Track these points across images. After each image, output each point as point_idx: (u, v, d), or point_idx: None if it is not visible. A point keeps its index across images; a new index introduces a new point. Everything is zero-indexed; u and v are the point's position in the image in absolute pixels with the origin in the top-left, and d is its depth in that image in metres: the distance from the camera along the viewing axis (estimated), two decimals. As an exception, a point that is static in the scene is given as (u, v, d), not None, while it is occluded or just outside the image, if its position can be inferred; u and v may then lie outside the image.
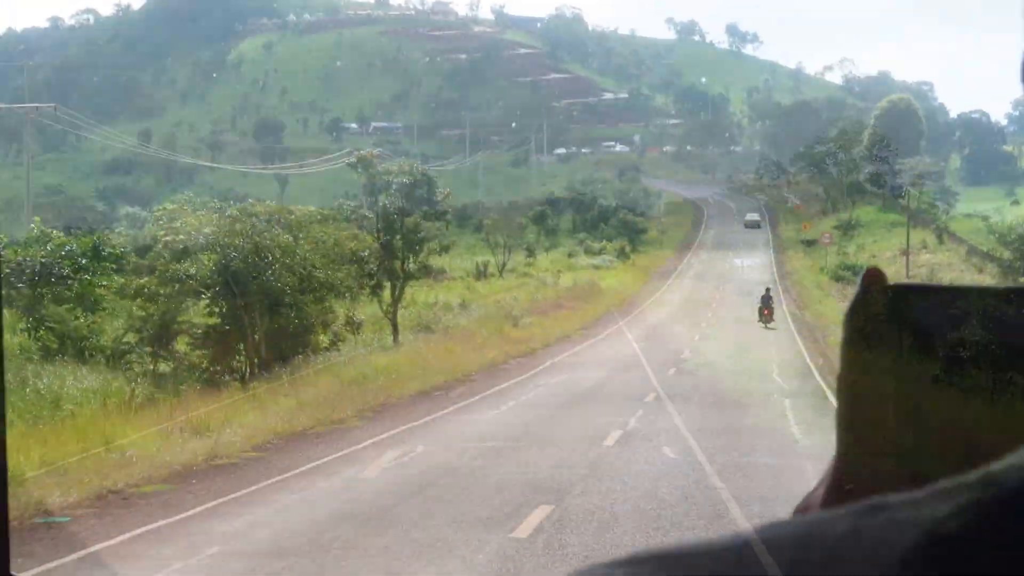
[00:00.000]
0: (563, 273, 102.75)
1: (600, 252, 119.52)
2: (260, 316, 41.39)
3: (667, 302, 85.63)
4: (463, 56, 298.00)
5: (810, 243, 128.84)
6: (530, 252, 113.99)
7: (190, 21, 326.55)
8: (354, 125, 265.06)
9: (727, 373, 42.50)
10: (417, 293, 68.69)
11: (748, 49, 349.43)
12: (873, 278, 1.33)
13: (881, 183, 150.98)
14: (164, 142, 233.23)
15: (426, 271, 57.10)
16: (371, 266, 54.99)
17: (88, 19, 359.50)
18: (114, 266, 45.56)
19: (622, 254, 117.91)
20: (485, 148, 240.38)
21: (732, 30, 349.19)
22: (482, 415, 30.59)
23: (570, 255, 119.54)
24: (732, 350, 52.15)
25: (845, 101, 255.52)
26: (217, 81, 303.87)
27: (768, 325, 68.82)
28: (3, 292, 36.85)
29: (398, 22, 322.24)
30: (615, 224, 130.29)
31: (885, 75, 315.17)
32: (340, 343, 50.34)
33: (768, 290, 75.24)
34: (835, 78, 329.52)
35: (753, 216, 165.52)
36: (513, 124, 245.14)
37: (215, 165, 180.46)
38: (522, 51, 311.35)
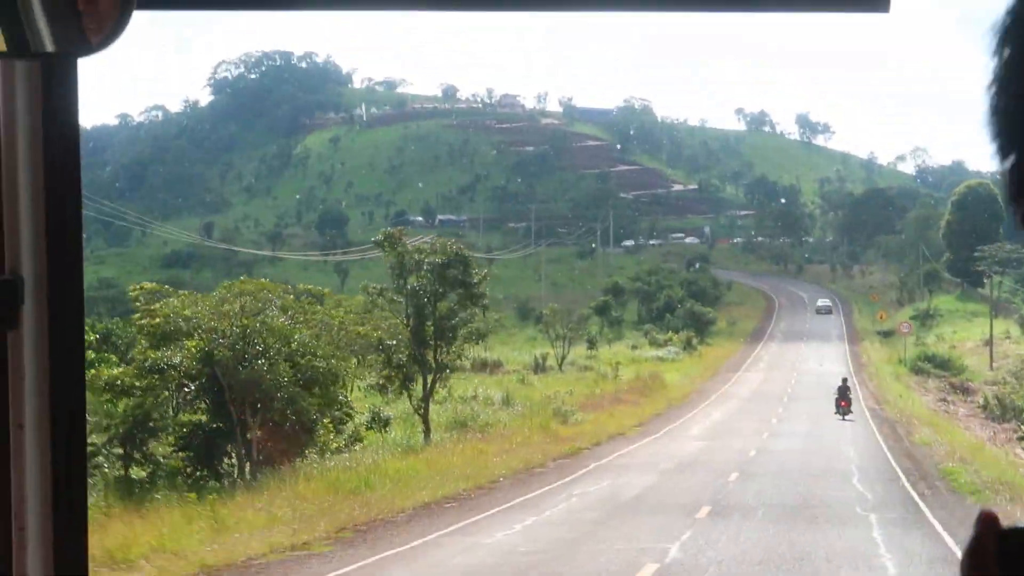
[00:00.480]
0: (625, 366, 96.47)
1: (665, 344, 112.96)
2: (252, 412, 35.30)
3: (734, 395, 79.00)
4: (530, 148, 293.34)
5: (887, 334, 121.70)
6: (591, 344, 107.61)
7: (257, 116, 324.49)
8: (420, 218, 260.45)
9: (799, 477, 35.92)
10: (459, 385, 62.57)
11: (819, 140, 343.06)
12: (987, 523, 1.24)
13: (963, 271, 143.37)
14: (226, 235, 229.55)
15: (459, 359, 50.49)
16: (400, 356, 48.85)
17: (157, 115, 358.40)
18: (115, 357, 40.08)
19: (688, 345, 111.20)
20: (551, 240, 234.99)
21: (803, 120, 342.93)
22: (488, 537, 24.22)
23: (634, 347, 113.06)
24: (805, 449, 45.54)
25: (919, 191, 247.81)
26: (283, 175, 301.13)
27: (846, 417, 63.29)
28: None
29: (465, 115, 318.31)
30: (681, 315, 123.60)
31: (959, 164, 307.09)
32: (359, 442, 44.26)
33: (845, 380, 68.98)
34: (908, 168, 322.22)
35: (824, 302, 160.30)
36: (580, 216, 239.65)
37: (270, 254, 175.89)
38: (590, 143, 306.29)
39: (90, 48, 2.75)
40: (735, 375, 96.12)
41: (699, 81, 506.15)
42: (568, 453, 45.52)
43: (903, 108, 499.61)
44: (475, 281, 49.29)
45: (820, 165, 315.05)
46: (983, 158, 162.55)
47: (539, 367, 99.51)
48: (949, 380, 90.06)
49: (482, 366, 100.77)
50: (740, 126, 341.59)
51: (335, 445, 40.93)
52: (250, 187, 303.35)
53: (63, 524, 3.06)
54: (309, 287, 41.24)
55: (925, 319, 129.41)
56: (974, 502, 30.37)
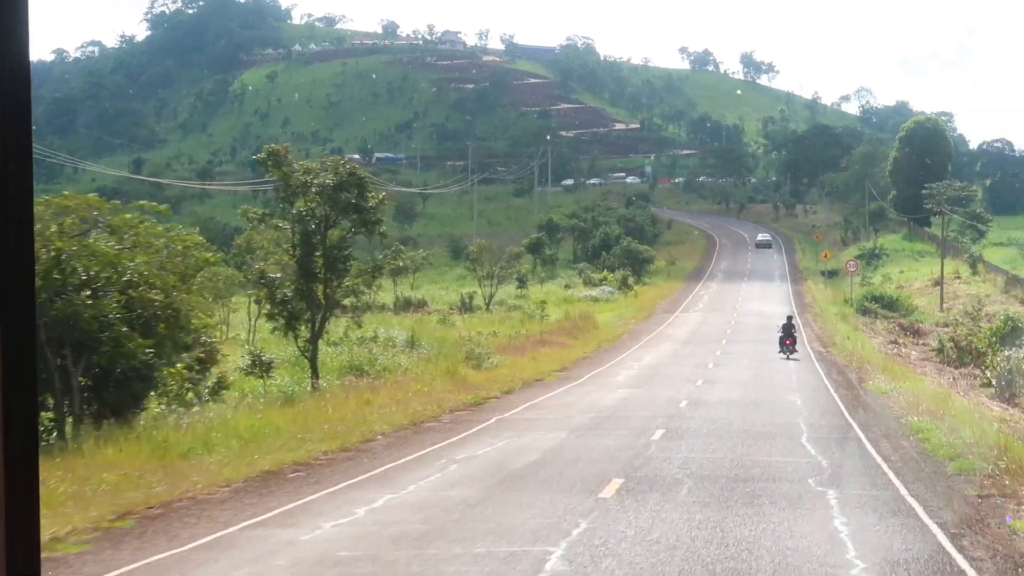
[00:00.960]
0: (556, 306, 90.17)
1: (600, 283, 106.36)
2: (75, 356, 28.36)
3: (670, 337, 72.59)
4: (470, 86, 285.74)
5: (831, 273, 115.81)
6: (521, 282, 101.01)
7: (194, 51, 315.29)
8: (356, 156, 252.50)
9: (737, 437, 29.32)
10: (367, 325, 55.66)
11: (763, 79, 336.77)
12: None
13: (909, 210, 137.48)
14: (157, 171, 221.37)
15: (354, 296, 43.58)
16: (285, 291, 41.92)
17: (93, 51, 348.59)
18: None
19: (624, 285, 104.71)
20: (490, 178, 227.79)
21: (747, 60, 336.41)
22: (309, 530, 17.37)
23: (567, 286, 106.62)
24: (744, 400, 39.02)
25: (863, 131, 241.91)
26: (218, 112, 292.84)
27: (791, 356, 58.91)
28: None
29: (404, 52, 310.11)
30: (618, 253, 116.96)
31: (903, 105, 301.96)
32: (224, 390, 37.46)
33: (790, 318, 64.27)
34: (852, 108, 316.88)
35: (764, 236, 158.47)
36: (520, 154, 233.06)
37: (199, 184, 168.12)
38: (531, 81, 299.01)
39: None
40: (672, 316, 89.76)
41: (643, 19, 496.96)
42: (470, 404, 38.80)
43: (848, 48, 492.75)
44: (370, 206, 42.17)
45: (764, 105, 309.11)
46: (927, 99, 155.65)
47: (465, 307, 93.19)
48: (898, 321, 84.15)
49: (405, 305, 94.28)
50: (684, 65, 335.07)
51: (190, 395, 34.17)
52: (185, 124, 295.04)
53: (14, 519, 3.04)
54: (154, 204, 33.74)
55: (871, 259, 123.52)
56: (955, 471, 23.85)
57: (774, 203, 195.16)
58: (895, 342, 71.86)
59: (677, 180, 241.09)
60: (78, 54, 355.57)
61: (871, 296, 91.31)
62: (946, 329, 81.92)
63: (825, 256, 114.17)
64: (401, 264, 72.63)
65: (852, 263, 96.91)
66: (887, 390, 41.64)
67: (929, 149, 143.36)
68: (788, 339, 60.13)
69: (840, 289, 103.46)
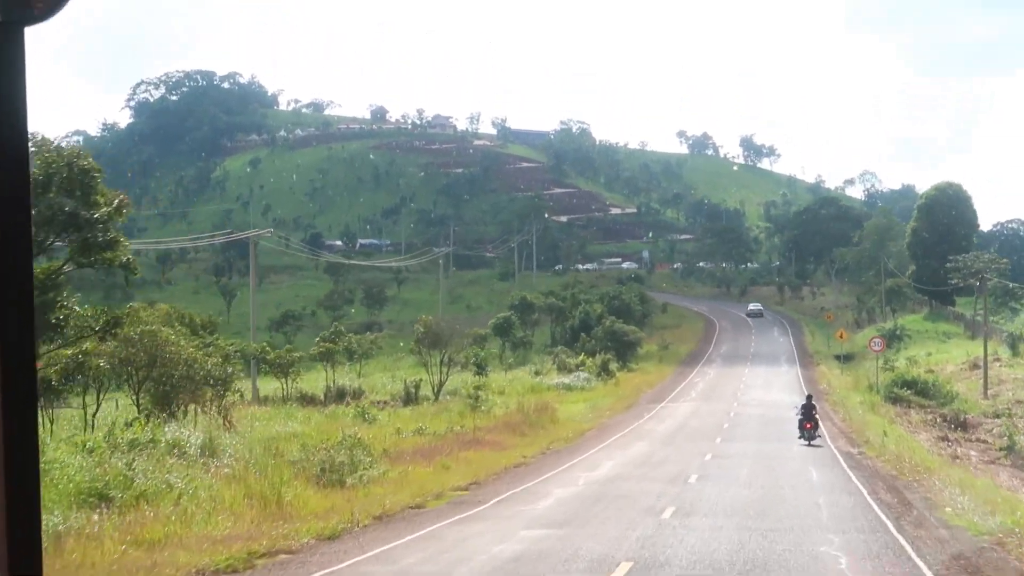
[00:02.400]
0: (519, 395, 72.32)
1: (576, 369, 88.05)
2: None
3: (648, 434, 54.27)
4: (460, 170, 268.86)
5: (847, 357, 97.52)
6: (480, 369, 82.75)
7: (177, 139, 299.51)
8: (339, 242, 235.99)
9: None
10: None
11: (764, 163, 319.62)
12: None
13: (931, 287, 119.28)
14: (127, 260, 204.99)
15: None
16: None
17: (78, 140, 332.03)
18: None
19: (604, 371, 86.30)
20: (475, 264, 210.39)
21: (747, 143, 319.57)
22: None
23: (536, 372, 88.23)
24: (741, 555, 20.69)
25: (870, 214, 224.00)
26: (199, 199, 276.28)
27: (812, 442, 49.04)
28: None
29: (392, 136, 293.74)
30: (600, 335, 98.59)
31: (909, 188, 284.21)
32: None
33: (810, 397, 54.51)
34: (857, 192, 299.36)
35: (755, 306, 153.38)
36: (509, 239, 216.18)
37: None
38: (524, 165, 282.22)
39: (35, 16, 3.01)
40: (658, 406, 71.45)
41: (639, 102, 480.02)
42: (247, 558, 20.71)
43: (850, 132, 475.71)
44: (96, 217, 24.14)
45: (765, 189, 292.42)
46: (934, 182, 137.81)
47: (411, 397, 75.06)
48: (937, 412, 65.94)
49: (339, 395, 76.53)
50: (682, 149, 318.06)
51: None
52: (165, 211, 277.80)
53: (16, 523, 3.05)
54: None
55: (891, 340, 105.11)
56: None
57: (778, 285, 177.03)
58: (944, 438, 53.43)
59: (676, 265, 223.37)
60: (63, 143, 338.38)
61: (900, 381, 72.93)
62: (996, 420, 64.56)
63: (841, 336, 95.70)
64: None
65: (877, 341, 78.29)
66: (988, 527, 23.43)
67: (951, 219, 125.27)
68: (808, 422, 50.42)
69: (860, 374, 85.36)
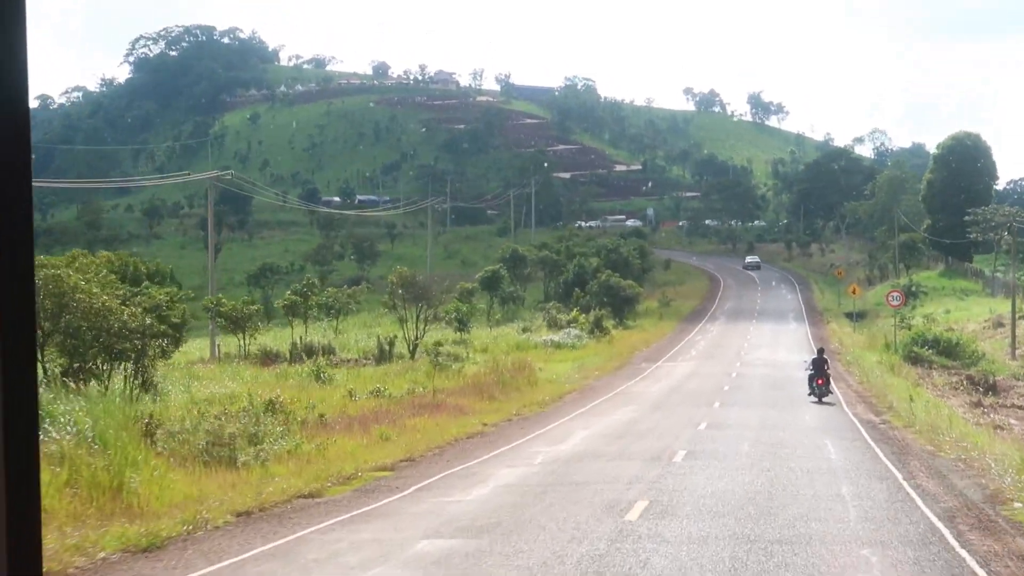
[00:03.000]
0: (503, 353, 64.99)
1: (568, 325, 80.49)
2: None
3: (636, 397, 46.73)
4: (462, 126, 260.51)
5: (859, 316, 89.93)
6: (462, 324, 75.33)
7: (176, 95, 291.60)
8: (336, 199, 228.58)
9: None
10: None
11: (772, 121, 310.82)
12: None
13: (948, 242, 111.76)
14: (121, 216, 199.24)
15: None
16: None
17: (78, 96, 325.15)
18: None
19: (598, 328, 78.70)
20: (477, 220, 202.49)
21: (755, 100, 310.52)
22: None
23: (524, 329, 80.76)
24: (725, 572, 13.12)
25: (881, 169, 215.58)
26: (198, 155, 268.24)
27: (824, 399, 45.00)
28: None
29: (394, 92, 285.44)
30: (595, 290, 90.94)
31: (920, 147, 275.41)
32: None
33: (821, 351, 49.54)
34: (866, 151, 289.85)
35: (753, 258, 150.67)
36: (511, 195, 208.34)
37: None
38: (527, 121, 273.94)
39: None
40: (653, 366, 63.97)
41: (646, 59, 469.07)
42: None
43: (860, 90, 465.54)
44: None
45: (773, 147, 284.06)
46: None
47: (384, 355, 67.62)
48: (963, 373, 58.20)
49: (307, 353, 68.99)
50: (689, 106, 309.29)
51: None
52: (162, 167, 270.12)
53: (17, 523, 3.02)
54: None
55: (907, 297, 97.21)
56: None
57: (786, 241, 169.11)
58: (978, 404, 45.78)
59: (681, 223, 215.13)
60: (63, 100, 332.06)
61: (921, 340, 65.28)
62: (1030, 382, 57.47)
63: (853, 291, 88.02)
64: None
65: (895, 295, 70.22)
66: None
67: (970, 170, 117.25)
68: (820, 378, 46.05)
69: (875, 332, 77.76)
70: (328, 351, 69.88)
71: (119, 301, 40.76)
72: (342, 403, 40.47)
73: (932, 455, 28.24)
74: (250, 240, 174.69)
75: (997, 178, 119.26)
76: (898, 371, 56.24)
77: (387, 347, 68.84)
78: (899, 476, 24.33)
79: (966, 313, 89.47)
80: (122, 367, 39.00)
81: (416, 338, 69.49)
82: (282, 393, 36.29)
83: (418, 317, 70.29)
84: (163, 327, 42.41)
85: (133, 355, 38.91)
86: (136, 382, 38.82)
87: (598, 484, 22.86)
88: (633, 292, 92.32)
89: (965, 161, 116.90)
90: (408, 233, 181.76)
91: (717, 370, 59.80)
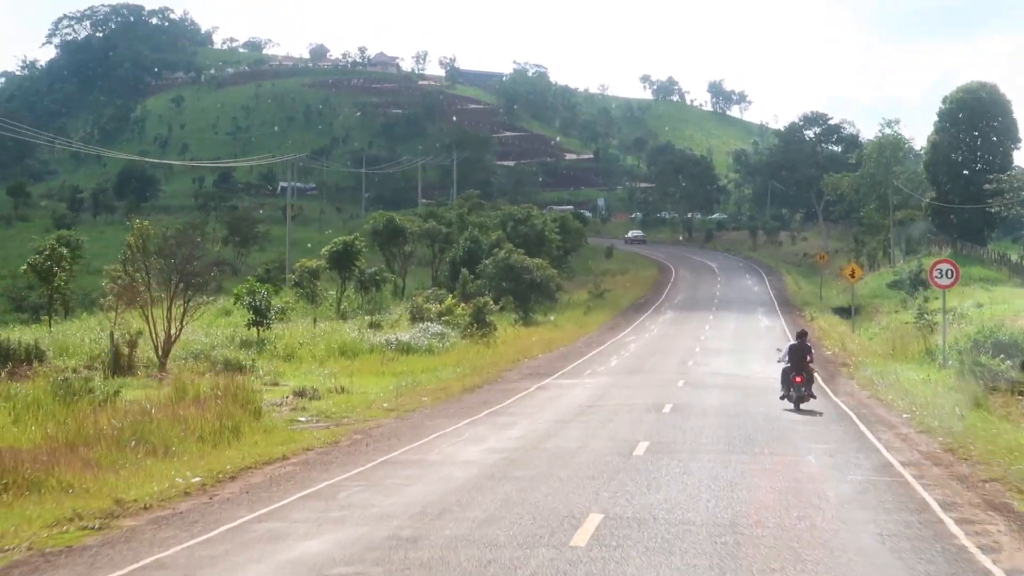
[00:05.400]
0: (303, 363, 37.41)
1: (439, 318, 52.41)
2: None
3: (405, 486, 17.87)
4: (399, 111, 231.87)
5: (846, 312, 62.80)
6: (260, 316, 47.50)
7: (99, 77, 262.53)
8: (259, 183, 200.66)
9: None
10: None
11: (734, 111, 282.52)
12: None
13: (960, 217, 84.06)
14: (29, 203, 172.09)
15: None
16: None
17: (0, 80, 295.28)
18: None
19: (478, 322, 50.52)
20: (404, 204, 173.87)
21: (715, 89, 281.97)
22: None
23: (372, 325, 52.72)
24: None
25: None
26: (117, 140, 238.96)
27: (801, 406, 29.10)
28: None
29: (329, 74, 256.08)
30: (490, 271, 62.63)
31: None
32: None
33: (803, 335, 31.73)
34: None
35: (636, 233, 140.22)
36: (450, 184, 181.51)
37: None
38: (472, 106, 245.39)
39: None
40: (532, 387, 36.01)
41: (600, 46, 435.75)
42: None
43: (825, 79, 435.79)
44: None
45: (735, 136, 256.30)
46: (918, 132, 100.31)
47: (121, 362, 40.21)
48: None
49: (3, 358, 40.97)
50: (646, 94, 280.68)
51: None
52: (78, 154, 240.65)
53: None
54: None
55: (911, 288, 69.48)
56: None
57: (750, 229, 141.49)
58: None
59: (634, 215, 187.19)
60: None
61: (991, 343, 37.00)
62: None
63: (852, 275, 59.74)
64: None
65: (946, 267, 40.27)
66: None
67: (985, 129, 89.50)
68: (798, 374, 29.74)
69: (892, 333, 50.09)
70: (37, 355, 41.32)
71: None
72: None
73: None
74: (123, 224, 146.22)
75: (1020, 140, 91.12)
76: (981, 401, 28.14)
77: (129, 349, 40.84)
78: None
79: (1003, 307, 61.59)
80: None
81: (170, 337, 41.43)
82: None
83: (171, 303, 42.12)
84: None
85: None
86: None
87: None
88: (544, 276, 63.77)
89: (979, 118, 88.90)
90: (323, 219, 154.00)
91: (639, 398, 31.72)
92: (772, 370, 34.43)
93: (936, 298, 65.57)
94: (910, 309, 62.97)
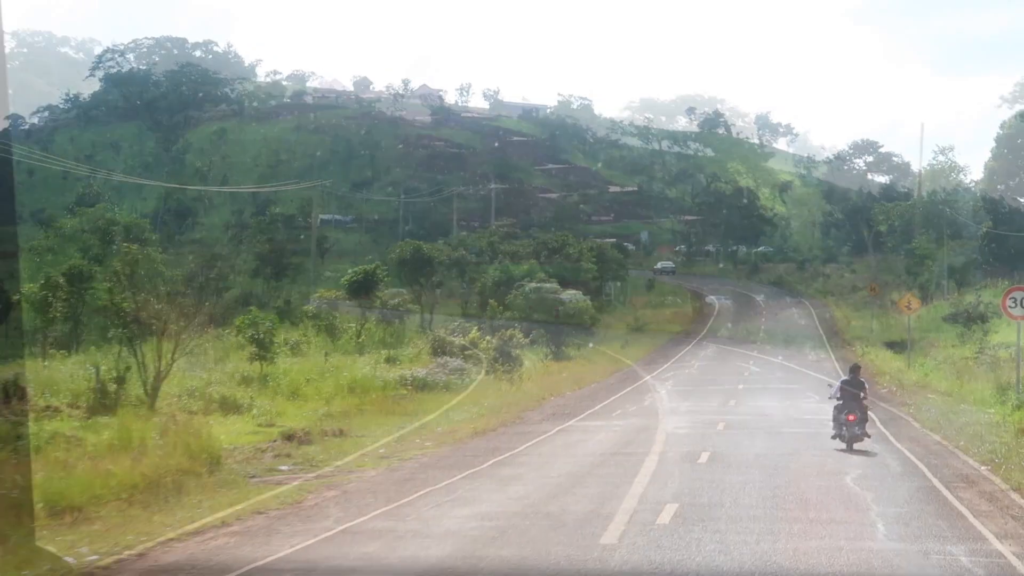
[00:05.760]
0: (305, 403, 33.53)
1: (462, 352, 48.67)
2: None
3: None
4: (441, 143, 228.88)
5: (908, 345, 58.22)
6: (262, 349, 43.42)
7: (142, 109, 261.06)
8: (300, 218, 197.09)
9: None
10: None
11: (781, 143, 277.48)
12: None
13: (1011, 249, 79.27)
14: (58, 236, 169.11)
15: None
16: None
17: (45, 114, 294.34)
18: None
19: (504, 357, 46.40)
20: (442, 235, 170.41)
21: (762, 122, 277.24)
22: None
23: (390, 359, 48.82)
24: None
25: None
26: (159, 172, 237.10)
27: (855, 447, 26.71)
28: None
29: (371, 105, 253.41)
30: (520, 302, 58.50)
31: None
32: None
33: (856, 369, 29.26)
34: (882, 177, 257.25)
35: (666, 263, 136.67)
36: (487, 217, 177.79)
37: None
38: (515, 138, 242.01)
39: None
40: (553, 430, 31.65)
41: (646, 77, 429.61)
42: None
43: (873, 111, 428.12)
44: None
45: (781, 169, 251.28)
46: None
47: (107, 399, 36.16)
48: None
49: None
50: (691, 127, 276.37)
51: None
52: (121, 186, 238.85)
53: None
54: None
55: (968, 322, 64.76)
56: None
57: (798, 262, 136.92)
58: None
59: (679, 248, 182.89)
60: (35, 119, 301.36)
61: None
62: None
63: (908, 307, 55.31)
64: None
65: (1020, 294, 35.40)
66: None
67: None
68: (851, 413, 27.09)
69: (958, 369, 45.55)
70: (16, 393, 37.40)
71: None
72: None
73: None
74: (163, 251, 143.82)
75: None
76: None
77: (116, 386, 36.80)
78: None
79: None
80: None
81: (160, 373, 37.30)
82: None
83: (161, 334, 38.11)
84: None
85: None
86: None
87: None
88: (578, 308, 59.50)
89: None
90: (359, 250, 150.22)
91: (673, 444, 27.47)
92: (823, 408, 30.36)
93: (997, 332, 61.05)
94: (967, 343, 58.64)
